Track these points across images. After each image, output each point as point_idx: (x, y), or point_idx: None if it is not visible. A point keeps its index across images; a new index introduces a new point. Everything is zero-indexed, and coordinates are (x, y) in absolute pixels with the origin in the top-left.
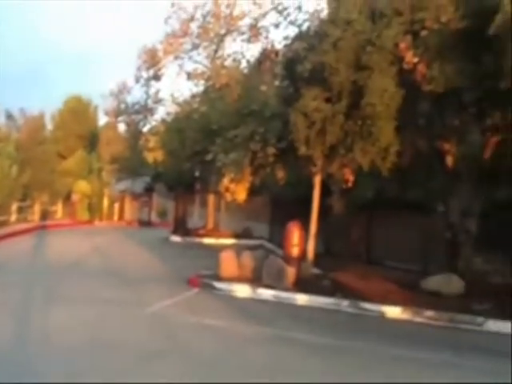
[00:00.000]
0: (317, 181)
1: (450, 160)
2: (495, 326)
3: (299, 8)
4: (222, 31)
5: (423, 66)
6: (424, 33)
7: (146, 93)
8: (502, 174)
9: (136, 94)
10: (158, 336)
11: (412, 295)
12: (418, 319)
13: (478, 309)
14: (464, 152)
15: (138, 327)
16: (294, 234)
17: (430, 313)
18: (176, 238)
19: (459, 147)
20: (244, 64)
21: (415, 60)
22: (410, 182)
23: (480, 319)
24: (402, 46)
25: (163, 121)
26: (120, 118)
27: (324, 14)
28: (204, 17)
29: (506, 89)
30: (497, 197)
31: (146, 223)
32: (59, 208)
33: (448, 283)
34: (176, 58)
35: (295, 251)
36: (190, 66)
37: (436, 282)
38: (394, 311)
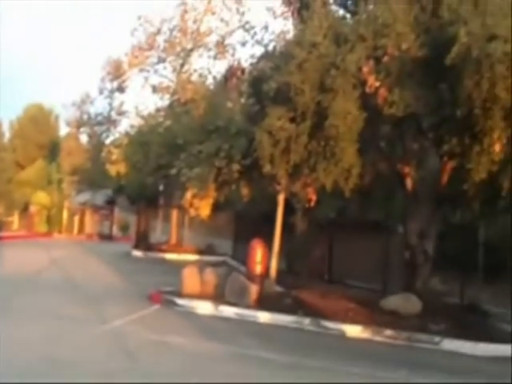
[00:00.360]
0: (280, 199)
1: (409, 183)
2: (451, 345)
3: (266, 28)
4: (189, 46)
5: (384, 90)
6: (386, 58)
7: (110, 104)
8: (459, 198)
9: (99, 106)
10: (115, 354)
11: (371, 314)
12: (378, 338)
13: (435, 328)
14: (423, 175)
15: (95, 345)
16: (258, 251)
17: (389, 332)
18: (137, 253)
19: (418, 171)
20: (210, 80)
21: (377, 84)
22: (370, 203)
23: (437, 338)
24: (365, 70)
25: (127, 133)
26: (82, 129)
27: (290, 35)
28: (171, 31)
29: (463, 117)
30: (453, 219)
31: (106, 237)
32: (15, 219)
33: (406, 303)
34: (141, 70)
35: (258, 269)
36: (155, 80)
37: (394, 301)
38: (354, 330)
